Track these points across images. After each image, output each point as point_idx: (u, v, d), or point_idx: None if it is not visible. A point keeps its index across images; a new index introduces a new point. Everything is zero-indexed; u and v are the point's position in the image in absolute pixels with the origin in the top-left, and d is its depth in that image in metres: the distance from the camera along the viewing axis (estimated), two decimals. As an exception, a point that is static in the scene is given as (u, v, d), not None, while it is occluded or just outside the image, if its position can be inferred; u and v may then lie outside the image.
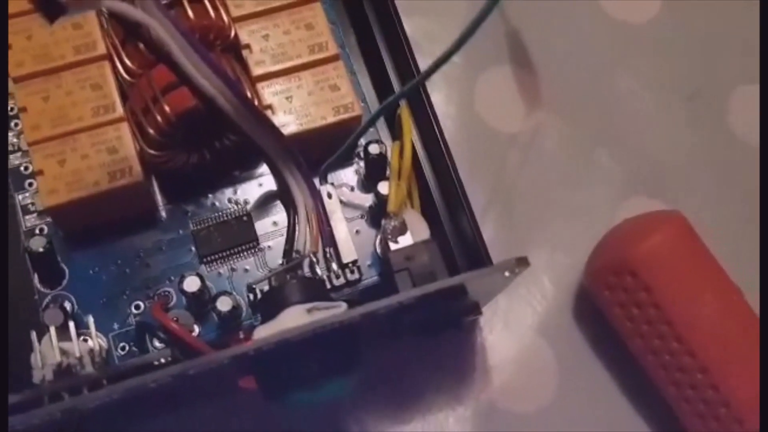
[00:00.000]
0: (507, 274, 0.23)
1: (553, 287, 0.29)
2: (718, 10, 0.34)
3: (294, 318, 0.22)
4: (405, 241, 0.25)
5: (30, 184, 0.26)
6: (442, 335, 0.28)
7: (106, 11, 0.20)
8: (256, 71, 0.26)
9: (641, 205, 0.30)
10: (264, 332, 0.22)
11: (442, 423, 0.27)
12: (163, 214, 0.26)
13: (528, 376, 0.28)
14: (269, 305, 0.23)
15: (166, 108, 0.24)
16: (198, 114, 0.24)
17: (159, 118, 0.24)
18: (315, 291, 0.23)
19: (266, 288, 0.24)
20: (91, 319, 0.23)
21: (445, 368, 0.28)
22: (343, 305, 0.23)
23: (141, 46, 0.24)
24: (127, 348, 0.24)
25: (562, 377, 0.28)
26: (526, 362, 0.28)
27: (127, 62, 0.25)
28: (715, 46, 0.33)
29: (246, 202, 0.27)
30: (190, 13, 0.25)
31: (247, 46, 0.26)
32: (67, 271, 0.25)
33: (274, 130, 0.24)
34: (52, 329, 0.22)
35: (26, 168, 0.26)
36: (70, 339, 0.23)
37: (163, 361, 0.22)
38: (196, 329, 0.25)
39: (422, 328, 0.26)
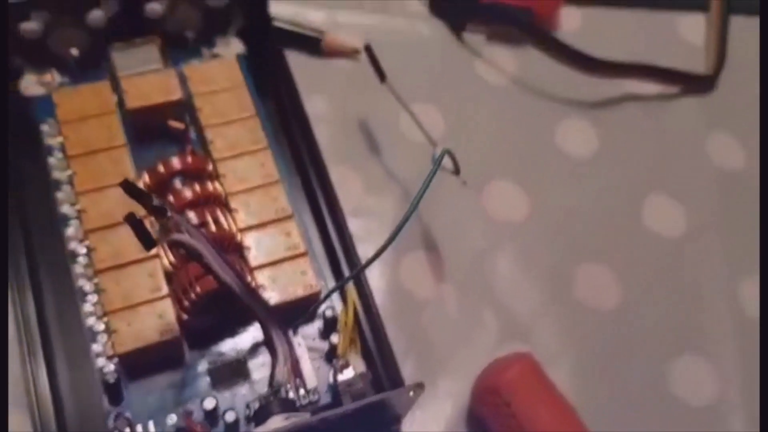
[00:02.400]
0: (411, 394, 0.36)
1: (451, 406, 0.40)
2: (570, 207, 0.46)
3: (276, 423, 0.35)
4: (349, 373, 0.38)
5: (101, 338, 0.38)
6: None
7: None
8: (253, 263, 0.39)
9: (511, 348, 0.41)
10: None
11: None
12: (189, 358, 0.38)
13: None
14: (260, 416, 0.36)
15: (198, 289, 0.37)
16: (217, 293, 0.37)
17: (193, 295, 0.37)
18: (289, 406, 0.36)
19: (257, 405, 0.37)
20: (151, 424, 0.35)
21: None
22: (308, 414, 0.36)
23: (181, 250, 0.38)
24: (165, 446, 0.37)
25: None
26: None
27: (172, 259, 0.39)
28: (568, 233, 0.45)
29: (243, 350, 0.39)
30: (214, 228, 0.39)
31: (248, 247, 0.40)
32: (125, 395, 0.37)
33: (263, 302, 0.38)
34: (127, 430, 0.34)
35: (98, 327, 0.38)
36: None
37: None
38: (211, 435, 0.37)
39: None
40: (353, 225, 0.41)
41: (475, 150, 0.49)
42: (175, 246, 0.36)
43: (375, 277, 0.42)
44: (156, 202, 0.30)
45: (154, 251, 0.38)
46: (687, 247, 0.47)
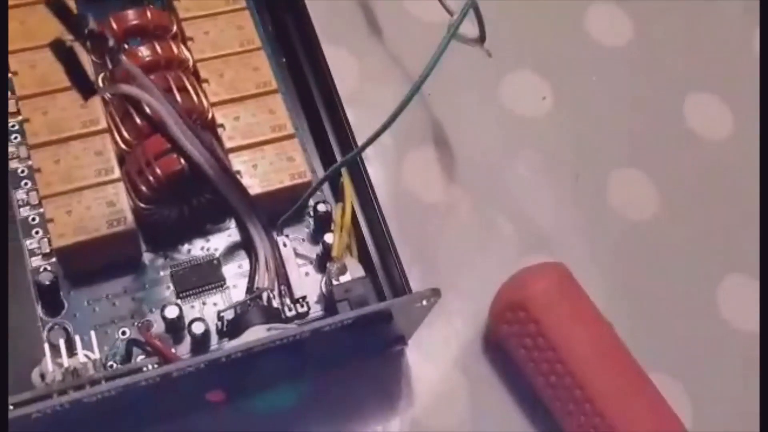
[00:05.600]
0: (424, 302, 0.29)
1: (464, 326, 0.35)
2: (600, 104, 0.41)
3: (256, 334, 0.28)
4: (345, 279, 0.31)
5: (36, 232, 0.31)
6: (375, 363, 0.33)
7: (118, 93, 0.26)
8: (228, 144, 0.31)
9: (533, 261, 0.36)
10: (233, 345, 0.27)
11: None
12: (147, 258, 0.32)
13: (445, 400, 0.33)
14: (236, 327, 0.29)
15: (158, 170, 0.29)
16: (182, 176, 0.30)
17: (151, 178, 0.29)
18: (272, 316, 0.29)
19: (232, 315, 0.30)
20: (93, 334, 0.28)
21: (378, 390, 0.32)
22: (295, 326, 0.29)
23: (137, 121, 0.30)
24: (114, 366, 0.29)
25: (473, 399, 0.33)
26: (443, 388, 0.33)
27: (125, 134, 0.31)
28: (597, 133, 0.40)
29: (216, 250, 0.32)
30: (179, 98, 0.31)
31: (222, 125, 0.32)
32: (66, 303, 0.30)
33: (243, 190, 0.30)
34: (61, 341, 0.27)
35: (33, 219, 0.31)
36: (71, 355, 0.28)
37: (150, 367, 0.27)
38: (173, 351, 0.30)
39: (359, 353, 0.32)
40: (350, 114, 0.34)
41: (491, 35, 0.41)
42: (122, 99, 0.28)
43: (374, 176, 0.35)
44: (93, 26, 0.22)
45: (102, 124, 0.31)
46: (732, 150, 0.41)
